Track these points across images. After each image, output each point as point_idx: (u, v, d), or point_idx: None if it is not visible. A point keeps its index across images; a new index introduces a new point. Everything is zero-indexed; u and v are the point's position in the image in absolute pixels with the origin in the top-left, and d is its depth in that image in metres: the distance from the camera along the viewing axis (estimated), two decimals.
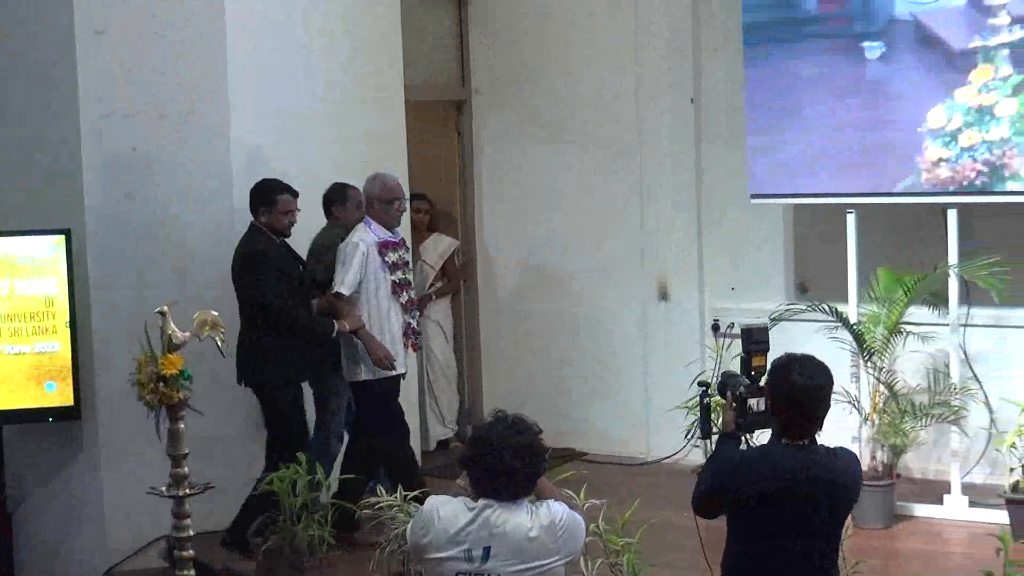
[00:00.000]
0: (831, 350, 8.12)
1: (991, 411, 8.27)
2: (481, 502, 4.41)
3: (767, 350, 5.18)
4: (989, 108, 7.85)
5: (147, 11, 7.85)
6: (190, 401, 6.07)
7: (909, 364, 8.38)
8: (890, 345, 7.99)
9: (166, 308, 6.12)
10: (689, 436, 8.04)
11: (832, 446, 4.66)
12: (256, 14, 8.11)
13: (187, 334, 6.09)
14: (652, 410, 9.40)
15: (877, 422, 7.92)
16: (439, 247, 9.81)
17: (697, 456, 8.48)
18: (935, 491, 8.05)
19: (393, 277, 7.62)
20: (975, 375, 8.27)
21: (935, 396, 8.03)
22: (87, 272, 7.77)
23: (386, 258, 7.58)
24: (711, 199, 9.31)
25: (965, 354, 8.30)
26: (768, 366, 4.86)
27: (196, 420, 6.23)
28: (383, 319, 7.58)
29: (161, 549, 7.67)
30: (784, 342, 7.67)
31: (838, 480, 4.60)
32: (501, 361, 10.21)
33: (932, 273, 7.94)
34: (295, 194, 7.58)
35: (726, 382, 5.02)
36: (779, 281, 9.05)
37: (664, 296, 9.48)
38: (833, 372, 7.20)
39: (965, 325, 8.27)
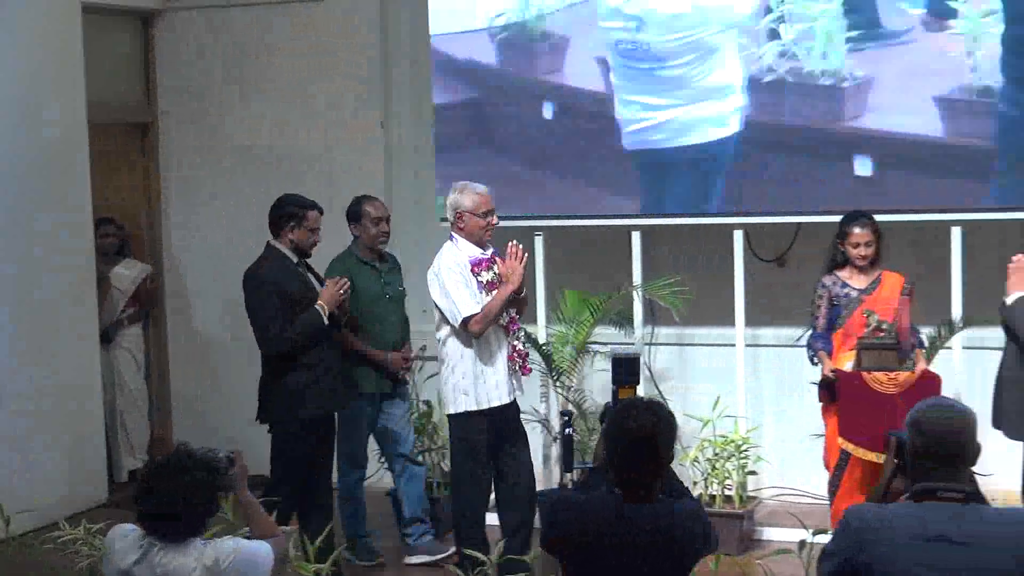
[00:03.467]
0: None
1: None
2: (148, 540, 4.30)
3: (637, 383, 4.93)
4: None
5: None
6: None
7: (597, 383, 8.57)
8: (578, 364, 8.15)
9: None
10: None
11: (673, 500, 4.29)
12: None
13: None
14: None
15: None
16: (130, 273, 9.53)
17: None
18: None
19: (488, 298, 6.79)
20: (660, 392, 8.52)
21: None
22: None
23: (480, 278, 6.82)
24: (402, 223, 9.29)
25: (650, 371, 8.55)
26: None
27: None
28: (482, 345, 6.80)
29: None
30: None
31: (671, 537, 4.16)
32: (195, 389, 9.98)
33: (617, 293, 8.14)
34: (322, 211, 7.18)
35: (606, 412, 4.70)
36: None
37: None
38: (523, 393, 7.35)
39: (650, 343, 8.53)
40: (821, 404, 7.21)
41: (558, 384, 8.10)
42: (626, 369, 4.88)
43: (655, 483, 4.20)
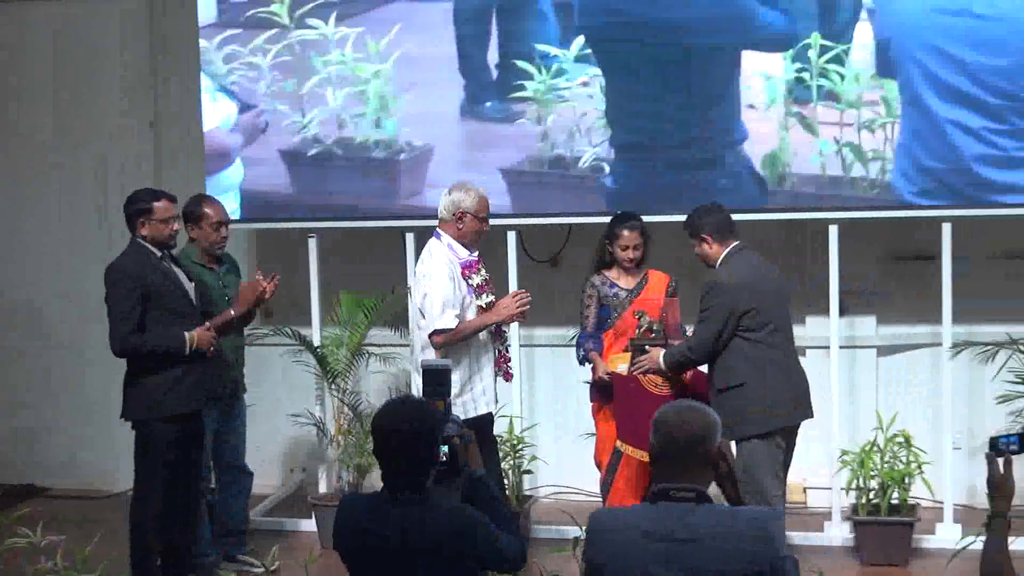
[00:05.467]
0: (296, 374, 8.22)
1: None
2: None
3: (447, 394, 4.86)
4: None
5: None
6: None
7: (373, 385, 8.57)
8: (353, 367, 8.12)
9: None
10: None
11: (453, 504, 4.22)
12: None
13: None
14: (120, 441, 9.13)
15: (343, 443, 8.03)
16: None
17: None
18: None
19: (479, 302, 6.63)
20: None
21: None
22: None
23: (470, 281, 6.61)
24: None
25: None
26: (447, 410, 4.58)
27: None
28: (472, 350, 6.58)
29: None
30: (250, 366, 7.77)
31: (428, 537, 4.10)
32: None
33: (391, 294, 8.13)
34: (173, 199, 6.77)
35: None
36: None
37: None
38: (298, 396, 7.25)
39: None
40: (592, 404, 7.29)
41: (333, 387, 8.05)
42: (435, 380, 4.77)
43: (412, 481, 4.15)
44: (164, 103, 9.22)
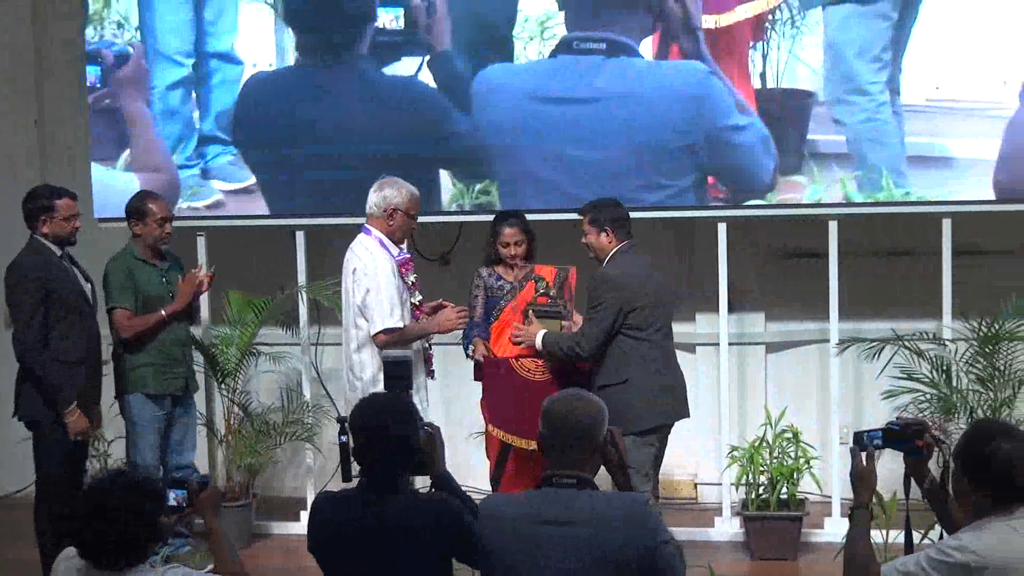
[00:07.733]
0: None
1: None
2: (85, 565, 3.94)
3: (409, 387, 4.83)
4: None
5: None
6: None
7: (263, 384, 8.50)
8: (243, 366, 8.05)
9: None
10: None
11: (436, 494, 4.27)
12: None
13: None
14: (6, 443, 9.01)
15: (233, 443, 7.97)
16: None
17: None
18: (292, 508, 8.20)
19: (413, 300, 6.61)
20: (327, 392, 8.49)
21: (289, 415, 8.17)
22: None
23: (406, 279, 6.56)
24: None
25: (317, 372, 8.52)
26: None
27: None
28: (412, 350, 6.45)
29: None
30: None
31: (408, 527, 4.10)
32: None
33: (281, 294, 8.08)
34: (74, 196, 6.74)
35: None
36: None
37: None
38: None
39: (316, 344, 8.49)
40: (481, 401, 7.26)
41: (223, 386, 7.98)
42: (397, 372, 4.76)
43: (390, 475, 4.17)
44: (49, 100, 9.10)
